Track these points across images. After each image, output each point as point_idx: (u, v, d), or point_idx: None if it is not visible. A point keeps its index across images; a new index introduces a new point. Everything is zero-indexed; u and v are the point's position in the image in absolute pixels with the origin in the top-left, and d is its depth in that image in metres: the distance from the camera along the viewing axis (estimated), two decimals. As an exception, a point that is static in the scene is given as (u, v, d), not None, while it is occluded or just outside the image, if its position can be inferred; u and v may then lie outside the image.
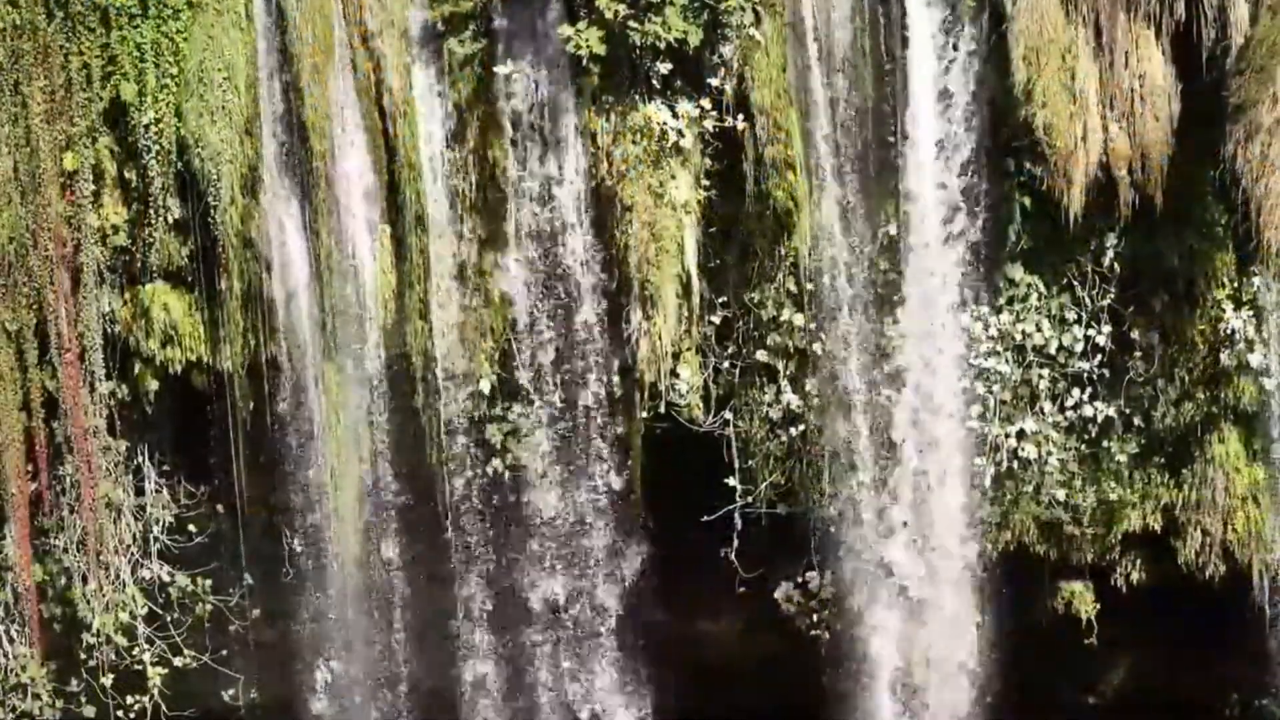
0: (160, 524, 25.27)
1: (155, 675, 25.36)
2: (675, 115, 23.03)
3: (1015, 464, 24.16)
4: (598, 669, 24.98)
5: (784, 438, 24.28)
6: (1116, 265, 23.61)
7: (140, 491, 25.20)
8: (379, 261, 23.87)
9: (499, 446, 24.28)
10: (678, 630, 25.82)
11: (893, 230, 23.46)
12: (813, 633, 24.96)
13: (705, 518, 24.52)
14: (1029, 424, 24.02)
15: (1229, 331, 23.54)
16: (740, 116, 23.21)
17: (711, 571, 24.65)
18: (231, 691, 26.02)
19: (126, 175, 23.90)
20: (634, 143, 22.98)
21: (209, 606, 25.47)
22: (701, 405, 24.33)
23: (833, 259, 23.49)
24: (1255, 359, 23.48)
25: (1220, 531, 24.18)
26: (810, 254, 23.52)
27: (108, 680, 25.18)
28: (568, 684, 25.04)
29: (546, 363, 23.98)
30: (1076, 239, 23.44)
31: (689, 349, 24.03)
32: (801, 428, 24.16)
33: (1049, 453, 24.10)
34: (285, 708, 25.95)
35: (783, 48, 23.12)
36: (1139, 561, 24.81)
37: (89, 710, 25.48)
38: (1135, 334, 23.85)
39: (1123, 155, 22.94)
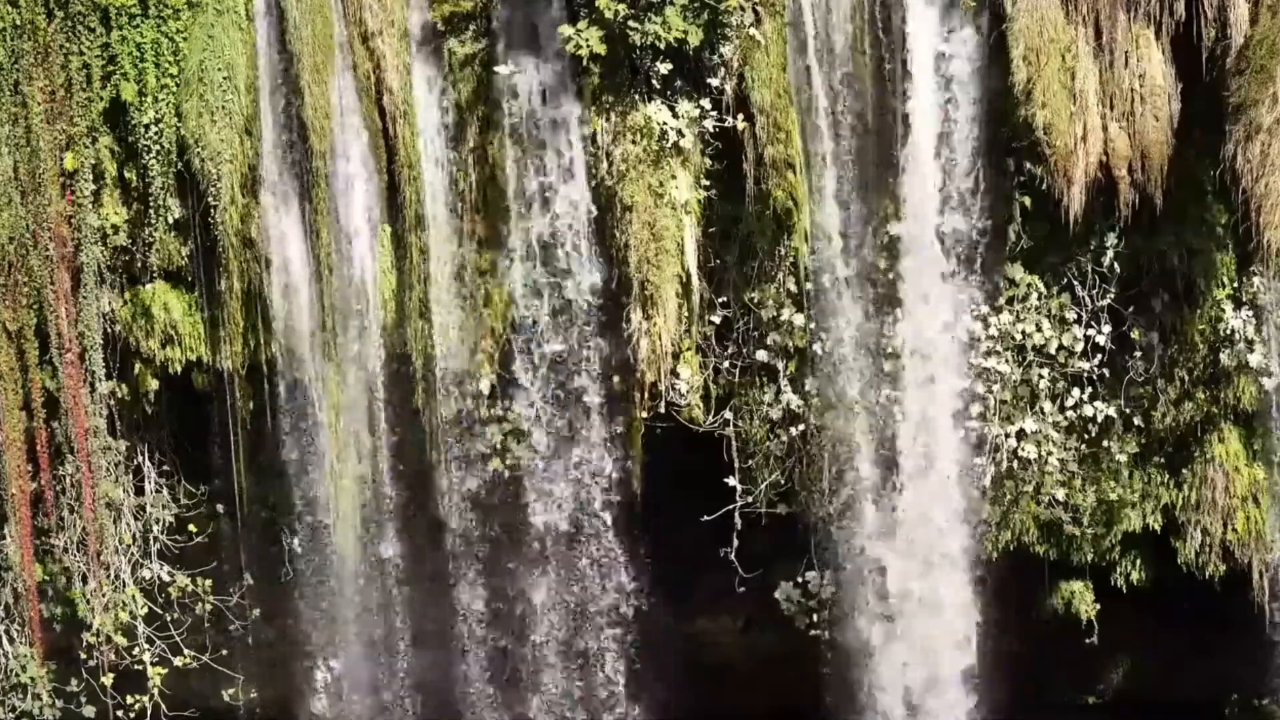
0: (160, 524, 25.28)
1: (155, 675, 25.36)
2: (675, 115, 23.04)
3: (1015, 464, 24.16)
4: (596, 669, 24.97)
5: (784, 438, 24.28)
6: (1116, 265, 23.61)
7: (140, 491, 25.22)
8: (379, 261, 23.88)
9: (499, 447, 24.28)
10: (678, 630, 25.84)
11: (893, 230, 23.46)
12: (813, 633, 24.97)
13: (705, 517, 24.52)
14: (1029, 424, 24.03)
15: (1229, 331, 23.54)
16: (740, 116, 23.22)
17: (711, 571, 24.65)
18: (231, 691, 26.02)
19: (126, 175, 23.91)
20: (634, 143, 22.99)
21: (209, 606, 25.47)
22: (701, 405, 24.34)
23: (832, 259, 23.50)
24: (1255, 359, 23.48)
25: (1220, 531, 24.18)
26: (810, 254, 23.53)
27: (108, 680, 25.18)
28: (566, 684, 25.03)
29: (546, 363, 23.98)
30: (1076, 239, 23.44)
31: (689, 349, 24.03)
32: (801, 428, 24.16)
33: (1049, 453, 24.10)
34: (285, 708, 25.96)
35: (783, 48, 23.13)
36: (1139, 561, 24.81)
37: (89, 710, 25.48)
38: (1135, 334, 23.86)
39: (1123, 155, 22.94)
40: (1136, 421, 24.09)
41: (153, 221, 23.84)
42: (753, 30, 22.97)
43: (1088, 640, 25.03)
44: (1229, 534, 24.16)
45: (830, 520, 24.38)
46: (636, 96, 22.99)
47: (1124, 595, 24.91)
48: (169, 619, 25.36)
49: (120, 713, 25.45)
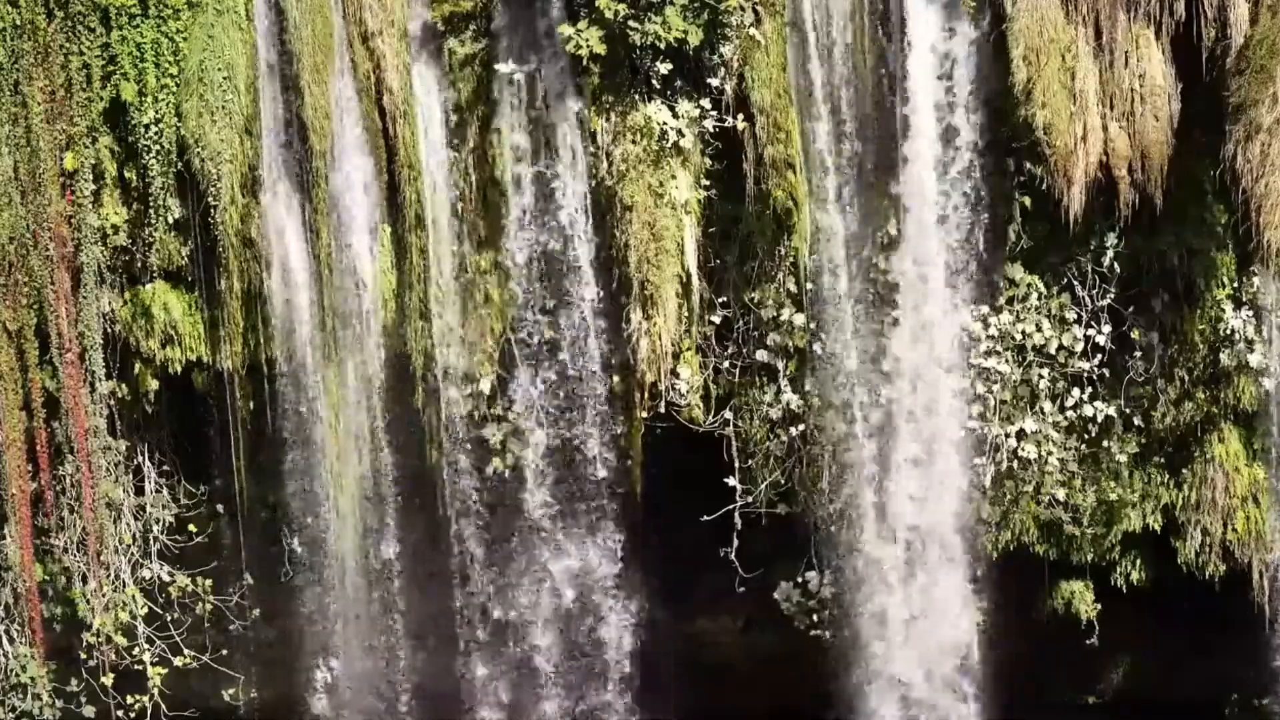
0: (160, 524, 25.28)
1: (155, 675, 25.36)
2: (675, 115, 23.04)
3: (1015, 464, 24.16)
4: (596, 669, 24.98)
5: (784, 438, 24.28)
6: (1116, 265, 23.62)
7: (140, 491, 25.22)
8: (379, 261, 23.88)
9: (499, 447, 24.28)
10: (678, 630, 25.83)
11: (892, 230, 23.47)
12: (813, 633, 24.97)
13: (705, 517, 24.52)
14: (1029, 424, 24.03)
15: (1229, 331, 23.54)
16: (740, 116, 23.22)
17: (711, 571, 24.65)
18: (231, 691, 26.03)
19: (126, 175, 23.91)
20: (634, 143, 22.99)
21: (209, 606, 25.47)
22: (701, 405, 24.34)
23: (832, 259, 23.50)
24: (1255, 359, 23.48)
25: (1220, 531, 24.18)
26: (810, 254, 23.53)
27: (108, 680, 25.17)
28: (567, 683, 25.03)
29: (546, 363, 23.99)
30: (1076, 239, 23.44)
31: (689, 349, 24.04)
32: (801, 428, 24.17)
33: (1049, 452, 24.10)
34: (285, 707, 25.95)
35: (783, 48, 23.13)
36: (1139, 561, 24.81)
37: (89, 710, 25.47)
38: (1135, 334, 23.86)
39: (1123, 155, 22.95)
40: (1136, 421, 24.10)
41: (153, 221, 23.84)
42: (753, 30, 22.98)
43: (1088, 640, 25.03)
44: (1229, 534, 24.16)
45: (830, 520, 24.38)
46: (636, 96, 22.99)
47: (1124, 595, 24.91)
48: (169, 619, 25.35)
49: (120, 713, 25.45)
